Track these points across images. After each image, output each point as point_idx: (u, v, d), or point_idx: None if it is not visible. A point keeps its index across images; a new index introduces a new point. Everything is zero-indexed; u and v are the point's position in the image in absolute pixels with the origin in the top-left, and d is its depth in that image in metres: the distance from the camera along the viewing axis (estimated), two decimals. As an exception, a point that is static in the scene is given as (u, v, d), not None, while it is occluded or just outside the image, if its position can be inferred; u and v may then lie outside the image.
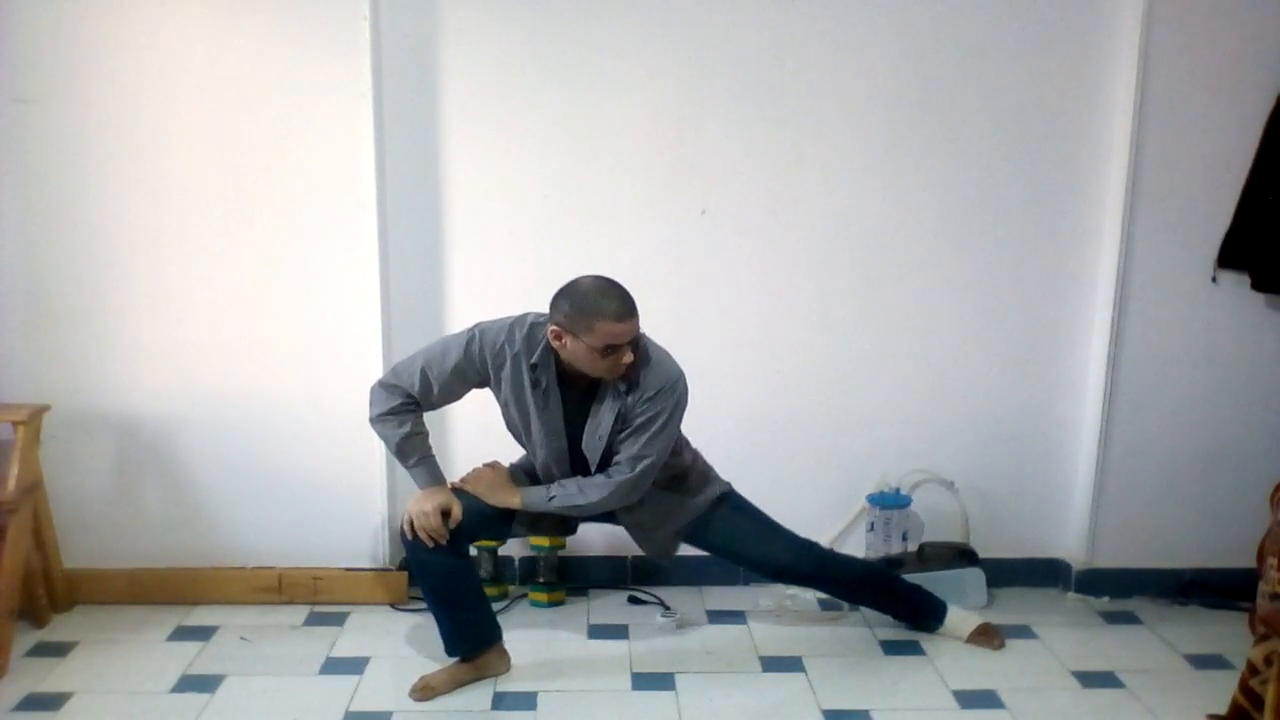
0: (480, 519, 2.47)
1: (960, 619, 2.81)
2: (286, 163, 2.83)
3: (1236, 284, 2.97)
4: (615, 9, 2.84)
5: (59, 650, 2.71)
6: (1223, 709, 2.30)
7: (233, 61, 2.78)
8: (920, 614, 2.82)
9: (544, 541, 3.00)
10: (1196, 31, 2.84)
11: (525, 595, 3.07)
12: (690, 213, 2.95)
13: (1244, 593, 2.87)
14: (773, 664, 2.68)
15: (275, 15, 2.76)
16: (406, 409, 2.43)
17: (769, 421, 3.07)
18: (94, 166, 2.80)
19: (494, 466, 2.56)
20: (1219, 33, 2.85)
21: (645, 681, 2.59)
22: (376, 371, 2.92)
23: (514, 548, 3.12)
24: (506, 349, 2.39)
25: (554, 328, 2.31)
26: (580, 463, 2.47)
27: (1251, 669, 2.20)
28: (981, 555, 3.06)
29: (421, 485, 2.45)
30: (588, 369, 2.33)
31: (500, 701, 2.48)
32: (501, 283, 2.98)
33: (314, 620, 2.92)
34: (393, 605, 3.00)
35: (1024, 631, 2.90)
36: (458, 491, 2.48)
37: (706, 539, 2.63)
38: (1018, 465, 3.14)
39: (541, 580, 3.05)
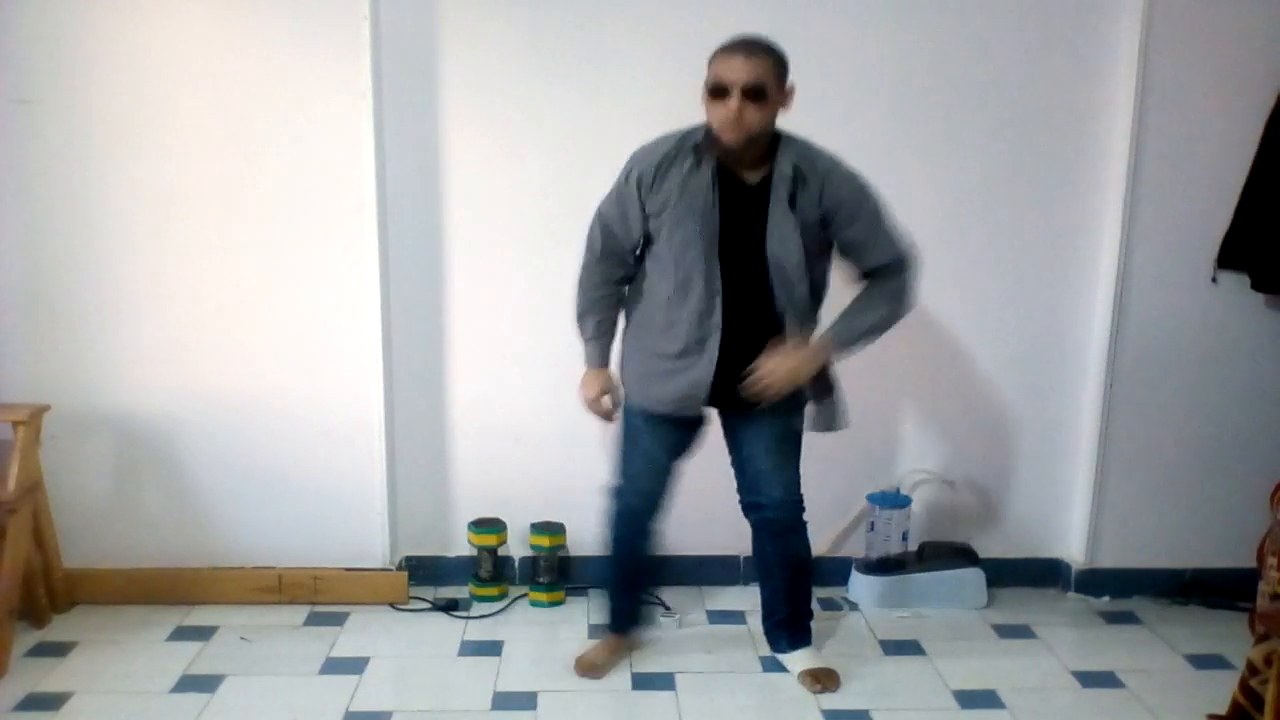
0: (664, 463, 2.49)
1: (808, 654, 2.61)
2: (286, 163, 2.83)
3: (1236, 284, 2.98)
4: (615, 9, 2.84)
5: (59, 650, 2.71)
6: (1223, 709, 2.31)
7: (233, 61, 2.78)
8: (795, 631, 2.62)
9: (544, 541, 3.01)
10: (1196, 31, 2.85)
11: (525, 595, 3.07)
12: None
13: (1244, 593, 2.87)
14: (772, 664, 2.68)
15: (275, 15, 2.76)
16: (600, 274, 2.42)
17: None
18: (94, 166, 2.80)
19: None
20: (1219, 33, 2.85)
21: (645, 681, 2.59)
22: (376, 371, 2.93)
23: (514, 548, 3.12)
24: (666, 147, 2.28)
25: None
26: (740, 283, 2.29)
27: (1251, 669, 2.20)
28: (981, 555, 3.07)
29: (587, 365, 2.49)
30: (714, 129, 2.19)
31: (500, 701, 2.48)
32: (502, 282, 2.98)
33: (314, 620, 2.92)
34: (393, 605, 3.00)
35: (1024, 631, 2.91)
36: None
37: (744, 427, 2.46)
38: (1018, 465, 3.14)
39: (541, 580, 3.04)
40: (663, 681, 2.59)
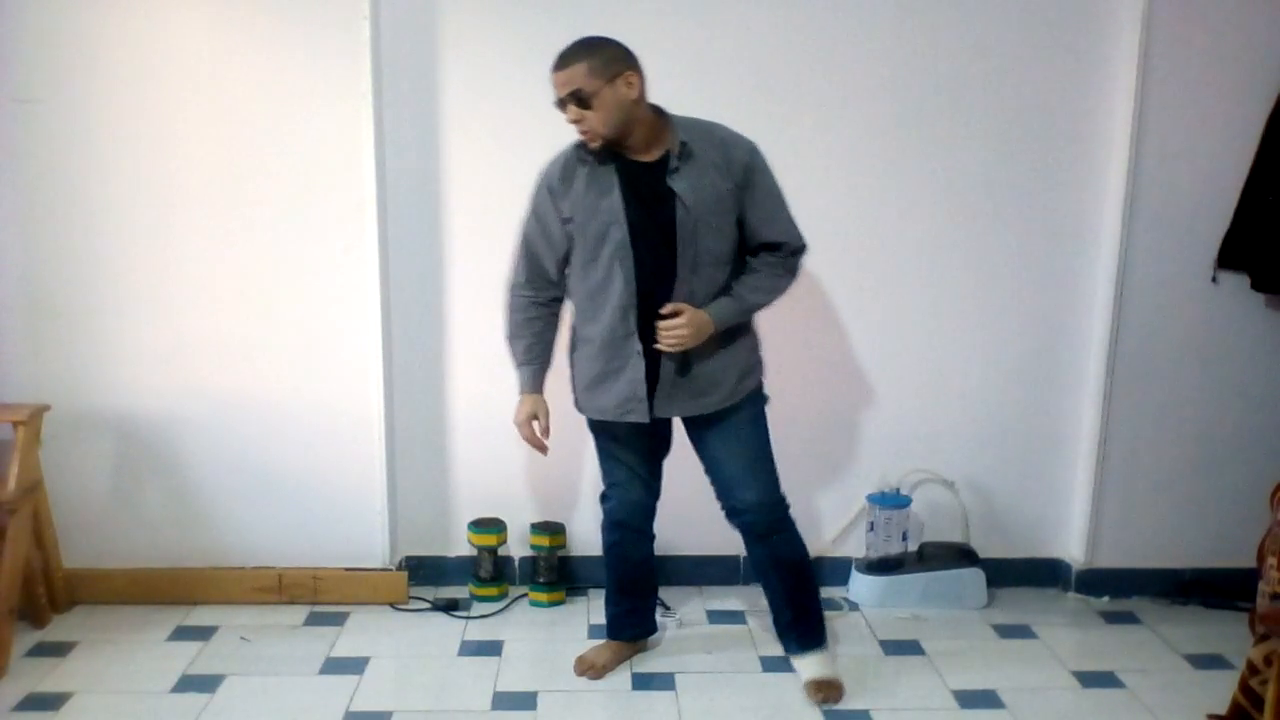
0: (640, 468, 2.51)
1: (818, 661, 2.55)
2: (286, 163, 2.83)
3: (1236, 284, 2.98)
4: (615, 9, 2.84)
5: (59, 650, 2.71)
6: (1223, 709, 2.30)
7: (233, 61, 2.78)
8: (805, 633, 2.57)
9: (544, 541, 3.01)
10: (1196, 31, 2.85)
11: (525, 595, 3.07)
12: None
13: (1244, 593, 2.87)
14: (773, 664, 2.68)
15: (276, 15, 2.76)
16: (524, 298, 2.44)
17: (769, 421, 3.07)
18: (94, 166, 2.81)
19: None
20: (1219, 33, 2.85)
21: (645, 681, 2.59)
22: (376, 371, 2.93)
23: (514, 548, 3.12)
24: (566, 154, 2.34)
25: None
26: (659, 272, 2.26)
27: (1251, 669, 2.20)
28: (981, 555, 3.07)
29: (520, 391, 2.47)
30: None
31: (500, 701, 2.48)
32: (502, 282, 2.96)
33: (314, 620, 2.92)
34: (393, 605, 3.00)
35: (1024, 631, 2.91)
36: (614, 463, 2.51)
37: (705, 433, 2.43)
38: (1018, 465, 3.14)
39: (541, 580, 3.04)
40: (663, 681, 2.59)
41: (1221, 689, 2.37)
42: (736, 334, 2.38)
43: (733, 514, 2.49)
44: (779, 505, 2.48)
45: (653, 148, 2.28)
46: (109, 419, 2.93)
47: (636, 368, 2.31)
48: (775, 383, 3.02)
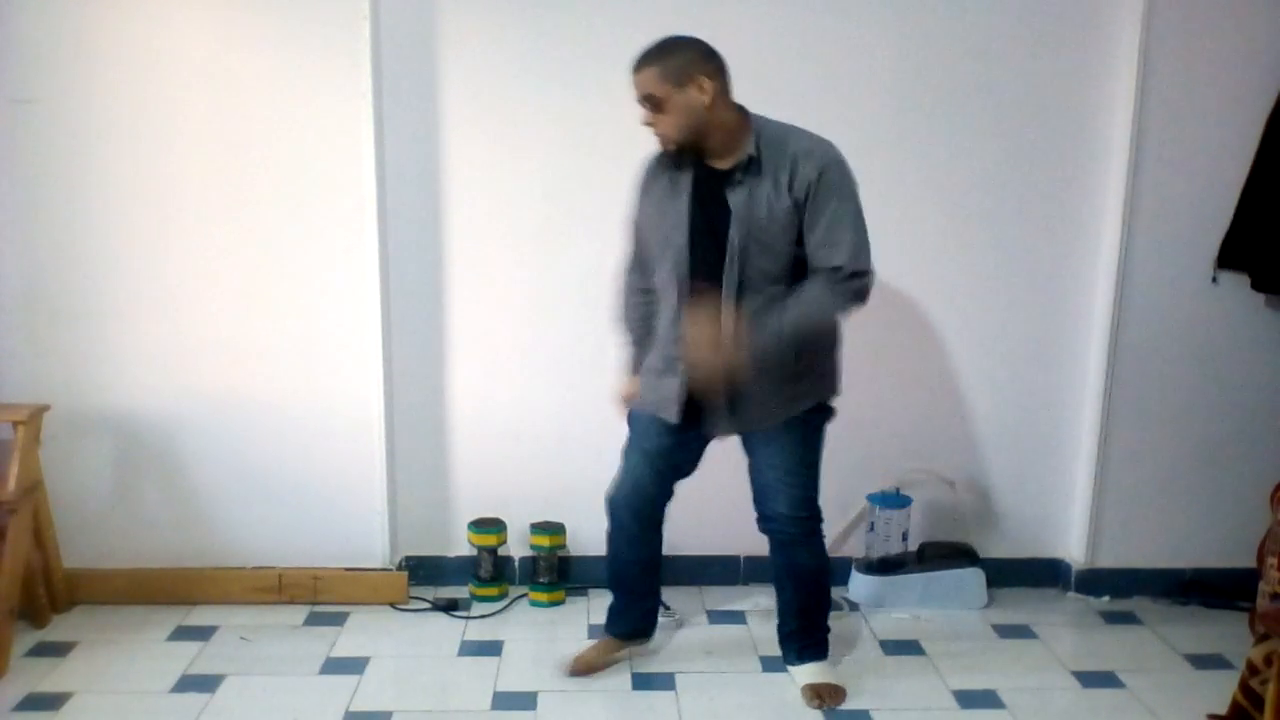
0: (663, 474, 2.49)
1: (817, 670, 2.54)
2: (286, 163, 2.83)
3: (1236, 284, 2.98)
4: (615, 9, 2.84)
5: (59, 650, 2.71)
6: (1223, 709, 2.30)
7: (233, 61, 2.78)
8: (805, 646, 2.56)
9: (544, 541, 3.01)
10: (1196, 31, 2.85)
11: (525, 595, 3.07)
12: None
13: (1244, 593, 2.87)
14: (773, 664, 2.68)
15: (276, 15, 2.76)
16: (629, 284, 2.48)
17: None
18: (94, 166, 2.80)
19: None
20: (1219, 33, 2.85)
21: (645, 681, 2.59)
22: (376, 371, 2.93)
23: (514, 548, 3.12)
24: (659, 151, 2.30)
25: None
26: (705, 267, 2.24)
27: (1251, 669, 2.20)
28: (981, 555, 3.07)
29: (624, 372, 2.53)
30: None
31: (500, 701, 2.48)
32: (502, 283, 2.98)
33: (314, 620, 2.92)
34: (393, 605, 3.00)
35: (1024, 631, 2.91)
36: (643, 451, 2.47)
37: (762, 439, 2.39)
38: (1018, 465, 3.14)
39: (541, 580, 3.04)
40: (663, 681, 2.59)
41: (1221, 689, 2.37)
42: (795, 357, 2.28)
43: (761, 519, 2.48)
44: (806, 520, 2.45)
45: (730, 154, 2.22)
46: (109, 419, 2.93)
47: (678, 372, 2.31)
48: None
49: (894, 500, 3.05)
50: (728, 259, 2.22)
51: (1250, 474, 3.01)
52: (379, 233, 2.87)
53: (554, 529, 3.04)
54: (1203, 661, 2.74)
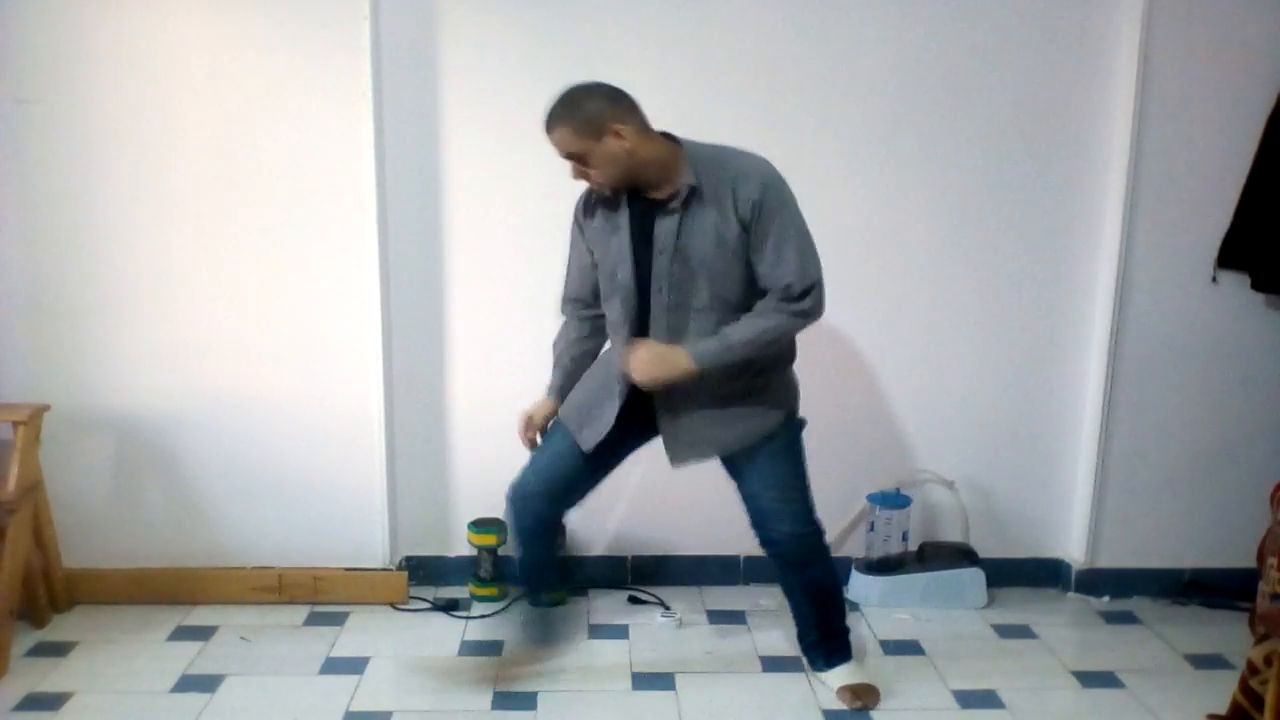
0: (566, 479, 2.42)
1: (847, 669, 2.54)
2: (287, 163, 2.83)
3: (1236, 284, 2.98)
4: (615, 10, 2.84)
5: (59, 650, 2.71)
6: (1223, 709, 2.31)
7: (233, 61, 2.78)
8: (832, 651, 2.55)
9: (544, 541, 3.01)
10: (1196, 31, 2.85)
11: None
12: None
13: (1244, 593, 2.87)
14: (773, 664, 2.68)
15: (276, 16, 2.76)
16: (567, 312, 2.48)
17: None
18: (94, 166, 2.80)
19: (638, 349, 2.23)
20: (1219, 33, 2.85)
21: (645, 681, 2.59)
22: (376, 371, 2.93)
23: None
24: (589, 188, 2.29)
25: None
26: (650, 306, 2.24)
27: (1251, 669, 2.20)
28: (981, 555, 3.07)
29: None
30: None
31: (500, 701, 2.48)
32: (502, 283, 2.98)
33: (314, 620, 2.92)
34: (393, 605, 3.00)
35: (1024, 631, 2.91)
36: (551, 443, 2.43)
37: (742, 464, 2.36)
38: (1018, 465, 3.14)
39: (541, 580, 3.05)
40: (663, 681, 2.59)
41: (1221, 689, 2.37)
42: (744, 376, 2.28)
43: (767, 544, 2.46)
44: (811, 535, 2.43)
45: (667, 184, 2.19)
46: (109, 419, 2.93)
47: (614, 407, 2.31)
48: (775, 383, 3.04)
49: (894, 500, 3.05)
50: (668, 287, 2.21)
51: (1250, 474, 3.01)
52: (379, 233, 2.87)
53: (554, 529, 3.04)
54: (1203, 661, 2.74)
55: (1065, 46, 2.89)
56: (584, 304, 2.44)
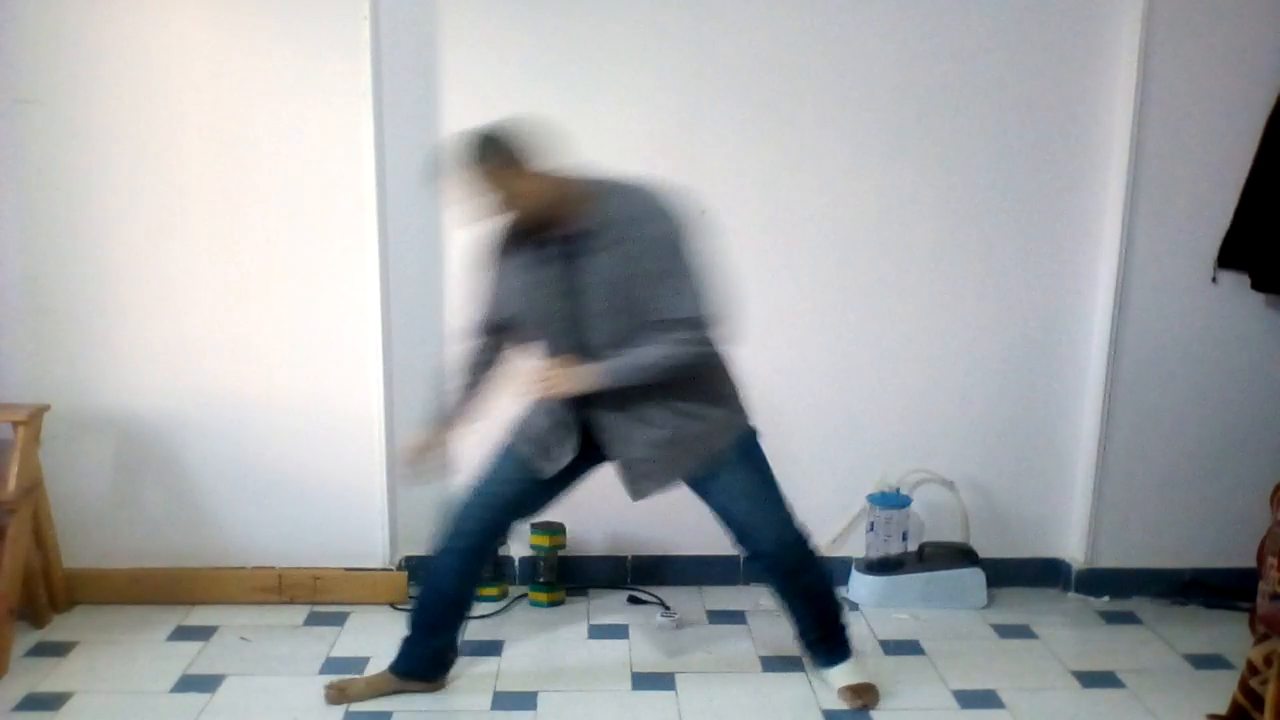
0: (517, 503, 2.45)
1: (849, 668, 2.52)
2: (286, 163, 2.83)
3: (1236, 284, 2.98)
4: (615, 10, 2.85)
5: (59, 650, 2.71)
6: (1223, 709, 2.31)
7: (233, 61, 2.78)
8: (833, 649, 2.53)
9: (544, 541, 3.00)
10: (1196, 31, 2.85)
11: (525, 595, 3.07)
12: (689, 214, 2.94)
13: (1244, 593, 2.87)
14: (773, 664, 2.68)
15: (276, 15, 2.77)
16: (477, 347, 2.44)
17: (769, 422, 3.06)
18: (94, 166, 2.81)
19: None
20: (1219, 33, 2.85)
21: (645, 681, 2.59)
22: (376, 371, 2.93)
23: (514, 548, 3.12)
24: (502, 224, 2.28)
25: None
26: (566, 345, 2.26)
27: (1251, 669, 2.20)
28: (981, 555, 3.07)
29: None
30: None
31: (500, 701, 2.48)
32: (501, 283, 2.98)
33: (314, 620, 2.92)
34: (393, 605, 3.00)
35: (1024, 631, 2.91)
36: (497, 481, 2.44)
37: (705, 486, 2.37)
38: (1018, 465, 3.14)
39: (541, 580, 3.04)
40: (663, 681, 2.59)
41: (1221, 689, 2.37)
42: (674, 397, 2.27)
43: (754, 557, 2.46)
44: (796, 543, 2.42)
45: (574, 222, 2.18)
46: (109, 419, 2.93)
47: (573, 440, 2.34)
48: (776, 383, 3.04)
49: (894, 500, 3.05)
50: (579, 324, 2.22)
51: (1250, 474, 3.01)
52: (379, 233, 2.87)
53: (554, 529, 3.04)
54: (1203, 661, 2.74)
55: (1066, 47, 2.90)
56: (487, 334, 2.42)
